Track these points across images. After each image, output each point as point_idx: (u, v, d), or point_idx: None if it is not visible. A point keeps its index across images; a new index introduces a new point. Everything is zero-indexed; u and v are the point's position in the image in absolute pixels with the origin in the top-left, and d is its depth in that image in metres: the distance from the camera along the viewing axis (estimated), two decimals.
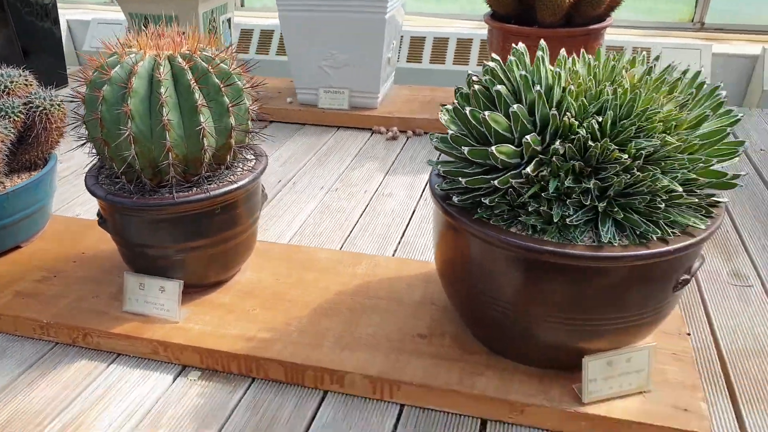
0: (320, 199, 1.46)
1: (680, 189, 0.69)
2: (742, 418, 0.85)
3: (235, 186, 0.94)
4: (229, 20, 2.14)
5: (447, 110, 0.80)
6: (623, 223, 0.73)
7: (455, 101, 0.81)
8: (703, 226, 0.73)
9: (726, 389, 0.90)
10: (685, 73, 0.78)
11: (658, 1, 2.94)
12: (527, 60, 0.81)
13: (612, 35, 2.83)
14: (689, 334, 0.97)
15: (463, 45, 2.57)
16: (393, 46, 1.94)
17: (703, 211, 0.76)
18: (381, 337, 0.94)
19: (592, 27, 1.60)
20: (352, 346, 0.92)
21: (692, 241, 0.71)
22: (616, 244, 0.71)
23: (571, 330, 0.78)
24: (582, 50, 0.82)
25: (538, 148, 0.72)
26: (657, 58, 0.81)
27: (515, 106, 0.72)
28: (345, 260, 1.13)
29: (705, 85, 0.78)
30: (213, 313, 1.00)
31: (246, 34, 2.77)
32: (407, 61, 2.51)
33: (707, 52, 2.65)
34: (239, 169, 0.99)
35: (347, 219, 1.36)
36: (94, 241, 1.19)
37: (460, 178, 0.76)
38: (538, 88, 0.72)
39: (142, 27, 0.94)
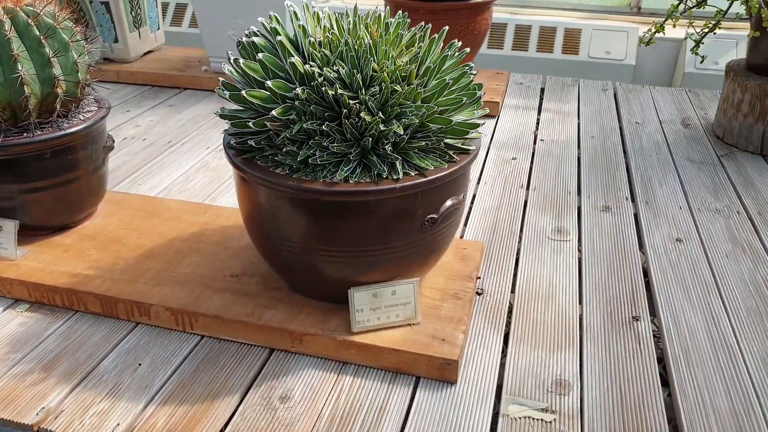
0: (201, 157, 1.54)
1: (401, 132, 0.77)
2: (507, 351, 0.93)
3: (61, 133, 1.01)
4: None
5: (229, 61, 0.87)
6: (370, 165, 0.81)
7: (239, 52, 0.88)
8: (431, 168, 0.80)
9: (504, 327, 0.98)
10: (426, 31, 0.85)
11: None
12: (307, 16, 0.88)
13: (545, 16, 2.90)
14: (479, 278, 1.05)
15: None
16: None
17: (447, 157, 0.84)
18: (195, 275, 1.02)
19: (471, 2, 1.67)
20: (165, 282, 1.00)
21: (419, 181, 0.79)
22: (351, 182, 0.79)
23: (336, 263, 0.86)
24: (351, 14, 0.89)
25: (288, 94, 0.80)
26: (405, 18, 0.88)
27: (260, 54, 0.79)
28: (191, 210, 1.21)
29: (453, 46, 0.86)
30: (51, 252, 1.08)
31: (163, 6, 2.89)
32: None
33: (634, 35, 2.72)
34: (75, 118, 1.07)
35: (219, 176, 1.44)
36: None
37: (227, 121, 0.84)
38: (279, 38, 0.79)
39: None
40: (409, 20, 0.88)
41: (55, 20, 0.99)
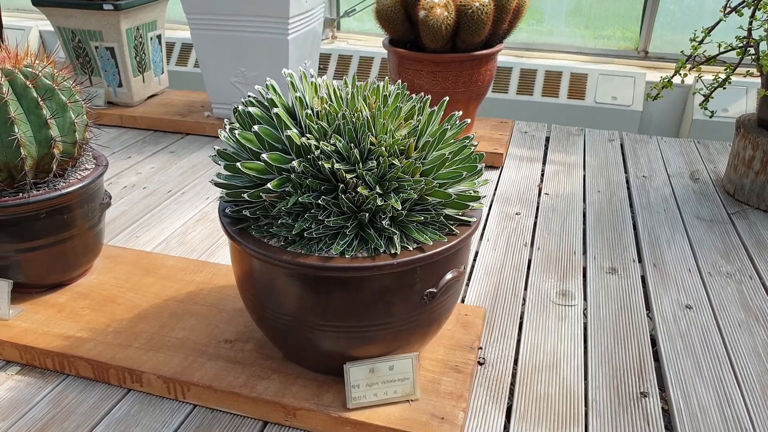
0: (201, 208, 1.52)
1: (399, 207, 0.75)
2: (509, 429, 0.89)
3: (57, 193, 1.00)
4: (159, 37, 2.22)
5: (225, 129, 0.86)
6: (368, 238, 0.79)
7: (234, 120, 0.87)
8: (430, 243, 0.78)
9: (507, 400, 0.94)
10: (425, 103, 0.83)
11: (616, 29, 3.01)
12: (305, 86, 0.87)
13: (552, 60, 2.91)
14: (481, 348, 1.02)
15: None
16: (306, 65, 2.00)
17: (447, 229, 0.81)
18: (189, 340, 0.99)
19: (476, 53, 1.67)
20: (158, 347, 0.97)
21: (418, 256, 0.77)
22: (348, 257, 0.76)
23: (332, 337, 0.83)
24: (354, 78, 0.88)
25: (284, 166, 0.78)
26: (404, 88, 0.86)
27: (257, 126, 0.78)
28: (188, 268, 1.18)
29: (452, 118, 0.84)
30: (44, 312, 1.05)
31: (168, 47, 2.93)
32: (333, 78, 2.62)
33: (641, 80, 2.72)
34: (72, 177, 1.05)
35: (218, 229, 1.42)
36: None
37: (222, 190, 0.82)
38: (276, 110, 0.78)
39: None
40: (408, 92, 0.86)
41: (54, 81, 0.99)
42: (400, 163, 0.77)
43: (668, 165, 1.82)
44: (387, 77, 0.91)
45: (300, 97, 0.80)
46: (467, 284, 1.23)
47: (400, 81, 0.88)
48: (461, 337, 1.00)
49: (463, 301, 1.18)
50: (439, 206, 0.80)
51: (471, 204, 0.83)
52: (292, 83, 0.84)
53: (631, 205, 1.57)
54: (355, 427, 0.85)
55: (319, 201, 0.76)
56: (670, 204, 1.57)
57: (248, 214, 0.81)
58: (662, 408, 0.93)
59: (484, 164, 0.86)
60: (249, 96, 0.87)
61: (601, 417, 0.91)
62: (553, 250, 1.36)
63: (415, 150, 0.79)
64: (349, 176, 0.76)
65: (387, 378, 0.86)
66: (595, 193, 1.64)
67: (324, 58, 2.84)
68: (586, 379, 0.98)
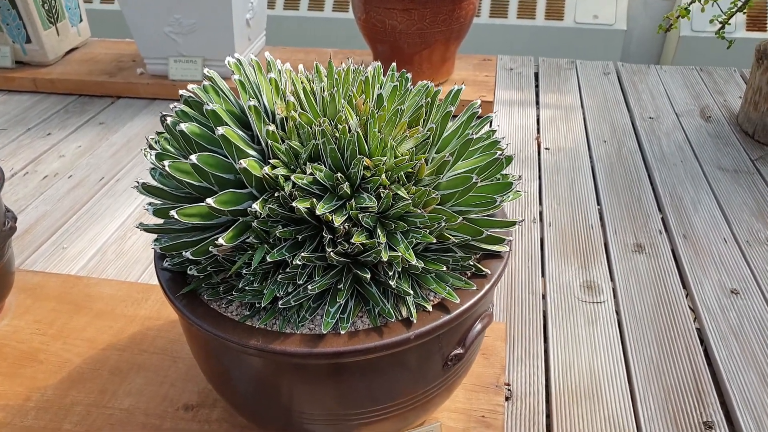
0: (141, 200, 1.26)
1: (414, 260, 0.52)
2: None
3: None
4: None
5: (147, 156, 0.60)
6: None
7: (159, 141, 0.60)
8: (456, 300, 0.56)
9: None
10: (435, 96, 0.59)
11: None
12: (261, 81, 0.61)
13: None
14: (508, 385, 0.83)
15: None
16: (253, 5, 1.68)
17: (474, 269, 0.59)
18: (138, 411, 0.77)
19: None
20: (97, 427, 0.75)
21: (442, 320, 0.55)
22: (343, 332, 0.54)
23: (330, 426, 0.62)
24: (317, 64, 0.62)
25: (241, 207, 0.54)
26: (404, 76, 0.61)
27: (194, 156, 0.52)
28: (130, 297, 0.94)
29: (472, 109, 0.60)
30: None
31: None
32: (284, 9, 2.30)
33: None
34: None
35: None
36: None
37: (155, 239, 0.58)
38: (222, 131, 0.52)
39: None
40: (409, 75, 0.61)
41: None
42: (409, 192, 0.54)
43: (674, 102, 1.61)
44: (374, 63, 0.65)
45: (255, 107, 0.55)
46: None
47: (395, 65, 0.63)
48: (482, 371, 0.81)
49: None
50: (465, 244, 0.57)
51: (505, 233, 0.61)
52: (241, 83, 0.58)
53: (644, 157, 1.37)
54: None
55: (297, 260, 0.52)
56: (686, 153, 1.38)
57: (196, 272, 0.57)
58: None
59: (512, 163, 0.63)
60: (182, 95, 0.61)
61: None
62: (566, 224, 1.15)
63: (426, 170, 0.55)
64: (337, 220, 0.52)
65: None
66: (601, 143, 1.43)
67: None
68: (634, 407, 0.81)
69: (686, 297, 0.98)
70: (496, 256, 0.62)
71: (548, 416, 0.80)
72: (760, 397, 0.81)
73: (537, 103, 1.63)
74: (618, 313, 0.96)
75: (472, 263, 0.59)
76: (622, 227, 1.14)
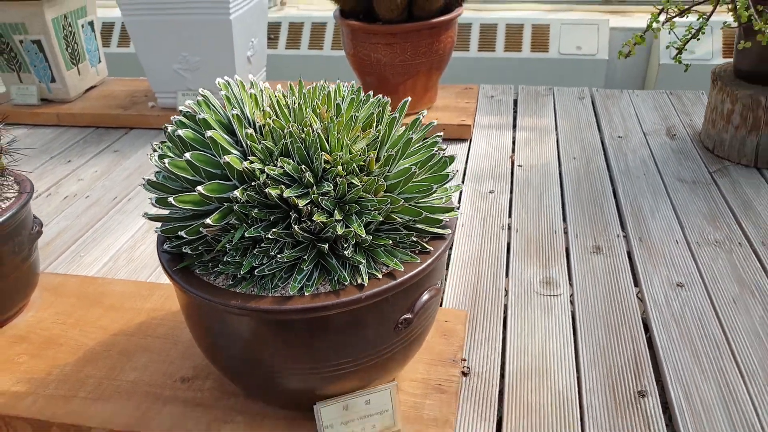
0: None
1: (364, 234, 0.65)
2: None
3: None
4: (90, 23, 2.03)
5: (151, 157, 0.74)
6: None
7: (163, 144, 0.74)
8: (401, 268, 0.68)
9: (496, 415, 0.87)
10: (385, 106, 0.72)
11: None
12: (244, 96, 0.75)
13: (512, 11, 2.78)
14: (464, 360, 0.94)
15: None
16: (253, 44, 1.85)
17: (419, 247, 0.72)
18: (142, 383, 0.89)
19: (434, 21, 1.54)
20: (107, 395, 0.87)
21: (389, 284, 0.67)
22: (308, 294, 0.66)
23: (299, 378, 0.74)
24: (291, 85, 0.76)
25: (225, 195, 0.67)
26: (355, 90, 0.75)
27: (188, 154, 0.66)
28: (138, 293, 1.07)
29: (418, 120, 0.73)
30: None
31: (107, 28, 2.74)
32: (286, 48, 2.48)
33: (605, 27, 2.61)
34: None
35: None
36: None
37: (156, 224, 0.71)
38: (210, 134, 0.66)
39: None
40: (361, 90, 0.75)
41: None
42: (361, 181, 0.66)
43: (643, 122, 1.74)
44: (339, 81, 0.79)
45: (237, 115, 0.68)
46: (444, 279, 1.14)
47: (354, 84, 0.77)
48: (442, 348, 0.92)
49: (441, 303, 1.09)
50: (409, 224, 0.70)
51: (445, 217, 0.73)
52: (227, 97, 0.72)
53: (610, 172, 1.49)
54: None
55: (269, 235, 0.65)
56: (650, 167, 1.50)
57: (189, 251, 0.70)
58: (662, 407, 0.86)
59: (454, 163, 0.76)
60: (181, 110, 0.75)
61: (597, 423, 0.84)
62: (532, 231, 1.27)
63: (376, 164, 0.68)
64: (301, 203, 0.65)
65: (363, 413, 0.78)
66: (571, 160, 1.55)
67: (273, 28, 2.68)
68: (579, 381, 0.91)
69: (636, 291, 1.09)
70: (442, 238, 0.75)
71: (501, 391, 0.91)
72: (692, 371, 0.91)
73: (514, 126, 1.76)
74: (573, 303, 1.07)
75: (415, 239, 0.72)
76: (584, 233, 1.26)
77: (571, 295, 1.08)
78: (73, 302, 1.06)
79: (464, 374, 0.93)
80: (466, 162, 1.58)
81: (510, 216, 1.33)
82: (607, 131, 1.69)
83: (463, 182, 1.48)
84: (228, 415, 0.83)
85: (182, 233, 0.68)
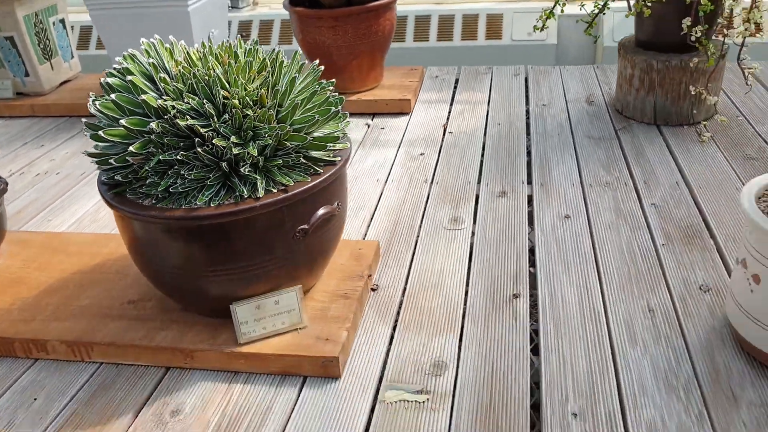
0: None
1: (255, 153, 0.81)
2: (393, 341, 0.98)
3: None
4: (62, 21, 2.19)
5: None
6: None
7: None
8: (293, 183, 0.85)
9: (394, 319, 1.03)
10: (277, 55, 0.89)
11: None
12: (162, 51, 0.91)
13: (468, 3, 2.95)
14: (371, 276, 1.10)
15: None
16: (213, 34, 2.01)
17: (312, 170, 0.88)
18: (93, 306, 1.05)
19: (371, 5, 1.71)
20: (63, 317, 1.03)
21: (281, 197, 0.83)
22: (213, 206, 0.82)
23: (216, 281, 0.90)
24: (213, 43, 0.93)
25: (145, 129, 0.83)
26: (256, 42, 0.92)
27: (113, 95, 0.82)
28: (96, 242, 1.23)
29: (301, 64, 0.90)
30: None
31: (85, 31, 2.92)
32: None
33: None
34: None
35: None
36: None
37: (91, 156, 0.87)
38: (130, 78, 0.83)
39: None
40: (261, 47, 0.91)
41: None
42: (254, 113, 0.83)
43: (567, 92, 1.90)
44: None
45: (154, 63, 0.85)
46: (369, 223, 1.30)
47: (257, 39, 0.93)
48: (353, 269, 1.08)
49: (364, 238, 1.25)
50: (300, 149, 0.86)
51: (335, 145, 0.89)
52: (146, 50, 0.88)
53: (528, 133, 1.66)
54: (247, 360, 0.93)
55: (179, 157, 0.81)
56: (565, 128, 1.66)
57: (120, 179, 0.86)
58: (531, 305, 1.03)
59: (347, 111, 0.92)
60: (114, 66, 0.91)
61: (475, 320, 1.00)
62: (450, 183, 1.43)
63: (269, 100, 0.85)
64: (204, 130, 0.81)
65: (273, 312, 0.93)
66: (495, 126, 1.72)
67: (245, 26, 2.85)
68: (466, 290, 1.07)
69: (529, 225, 1.25)
70: (333, 164, 0.91)
71: (401, 301, 1.07)
72: (560, 278, 1.08)
73: (452, 101, 1.93)
74: (473, 235, 1.23)
75: (305, 161, 0.88)
76: (494, 182, 1.42)
77: (474, 230, 1.25)
78: (38, 252, 1.22)
79: (373, 290, 1.09)
80: (404, 133, 1.74)
81: (434, 173, 1.49)
82: (533, 101, 1.86)
83: (398, 149, 1.64)
84: (164, 325, 0.99)
85: (111, 161, 0.84)
